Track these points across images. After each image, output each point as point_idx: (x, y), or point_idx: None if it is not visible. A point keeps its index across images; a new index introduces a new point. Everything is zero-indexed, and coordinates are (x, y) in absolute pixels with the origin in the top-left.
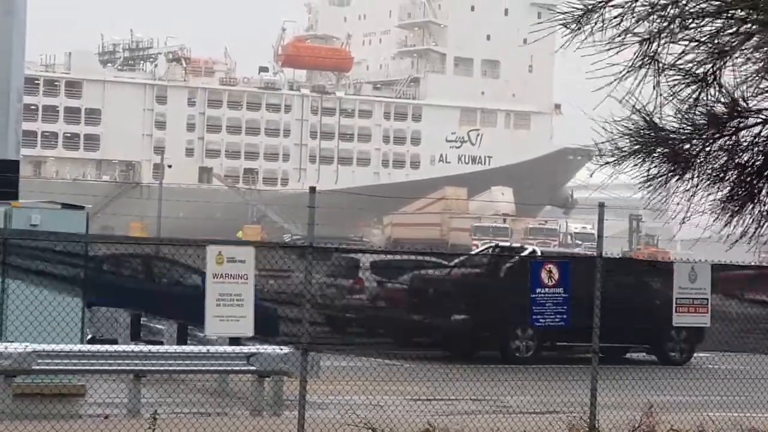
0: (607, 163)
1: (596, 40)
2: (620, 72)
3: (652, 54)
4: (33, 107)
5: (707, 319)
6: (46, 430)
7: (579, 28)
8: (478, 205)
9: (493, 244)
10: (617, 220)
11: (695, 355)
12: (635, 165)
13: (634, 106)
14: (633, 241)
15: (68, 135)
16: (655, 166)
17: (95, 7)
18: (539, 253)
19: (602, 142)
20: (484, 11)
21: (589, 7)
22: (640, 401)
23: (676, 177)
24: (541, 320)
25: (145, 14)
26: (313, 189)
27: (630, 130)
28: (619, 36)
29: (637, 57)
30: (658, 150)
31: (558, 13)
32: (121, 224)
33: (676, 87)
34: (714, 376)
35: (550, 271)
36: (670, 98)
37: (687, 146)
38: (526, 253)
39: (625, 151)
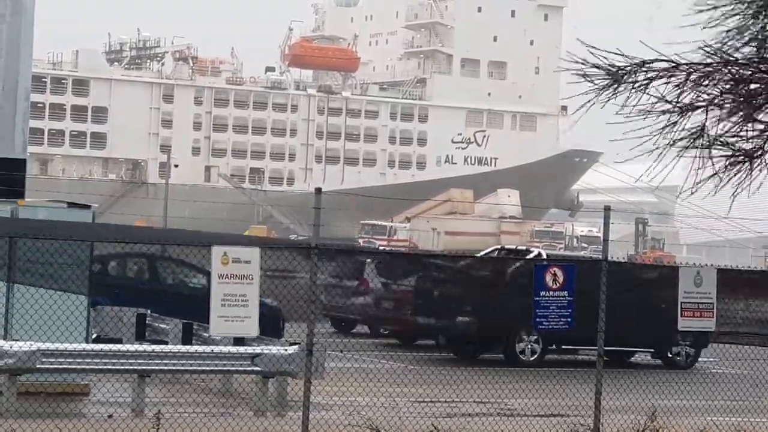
0: None
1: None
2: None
3: (701, 126)
4: (40, 105)
5: (712, 324)
6: (50, 428)
7: (617, 87)
8: (484, 207)
9: (498, 247)
10: (623, 223)
11: (700, 359)
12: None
13: None
14: (639, 244)
15: (75, 133)
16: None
17: (102, 5)
18: (544, 256)
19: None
20: (491, 12)
21: (629, 65)
22: (644, 405)
23: None
24: (544, 323)
25: (153, 13)
26: (318, 190)
27: None
28: (657, 102)
29: (675, 125)
30: None
31: (594, 66)
32: (126, 223)
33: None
34: (718, 381)
35: (554, 275)
36: (711, 177)
37: None
38: (531, 255)
39: None
